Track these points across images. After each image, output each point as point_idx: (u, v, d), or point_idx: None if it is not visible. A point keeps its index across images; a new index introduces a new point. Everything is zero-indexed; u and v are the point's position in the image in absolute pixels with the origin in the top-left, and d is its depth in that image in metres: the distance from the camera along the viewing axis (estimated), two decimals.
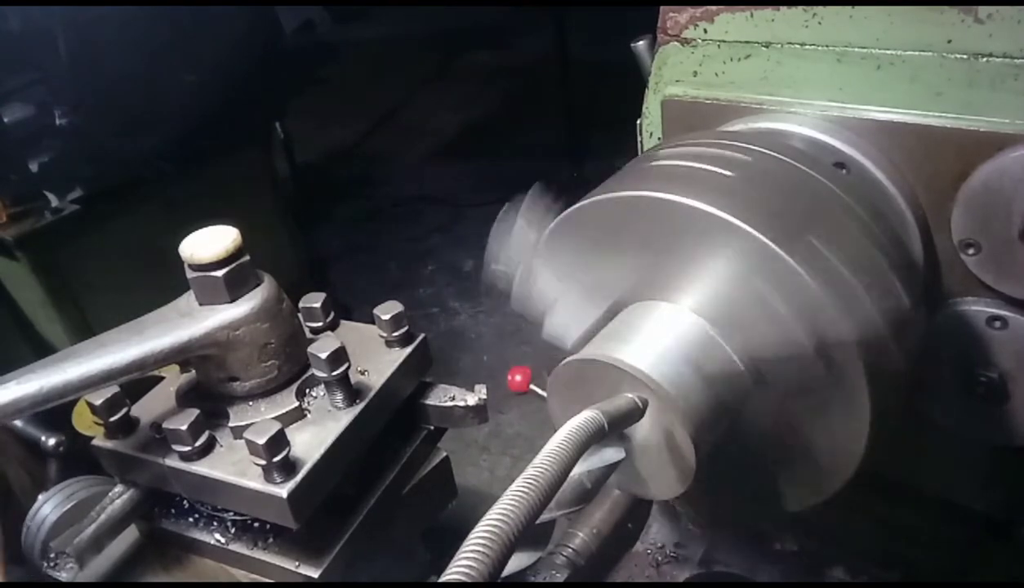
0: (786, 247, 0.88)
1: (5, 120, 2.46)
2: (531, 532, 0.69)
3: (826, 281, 0.88)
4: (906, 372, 0.99)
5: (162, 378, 1.21)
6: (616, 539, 1.52)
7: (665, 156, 1.08)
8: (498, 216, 1.14)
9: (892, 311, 0.94)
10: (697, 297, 0.96)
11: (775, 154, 1.02)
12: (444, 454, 1.30)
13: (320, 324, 1.25)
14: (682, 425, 0.88)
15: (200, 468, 1.05)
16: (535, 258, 1.09)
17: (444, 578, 0.63)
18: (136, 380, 1.04)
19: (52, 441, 1.74)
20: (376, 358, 1.19)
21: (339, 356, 1.07)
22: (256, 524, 1.12)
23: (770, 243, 0.88)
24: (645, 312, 0.99)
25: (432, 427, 1.28)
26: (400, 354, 1.20)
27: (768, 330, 0.92)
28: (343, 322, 1.28)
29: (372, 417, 1.13)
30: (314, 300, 1.24)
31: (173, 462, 1.06)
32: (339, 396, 1.10)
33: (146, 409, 1.16)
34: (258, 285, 1.10)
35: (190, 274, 1.07)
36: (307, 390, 1.15)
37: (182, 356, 1.05)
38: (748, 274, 0.90)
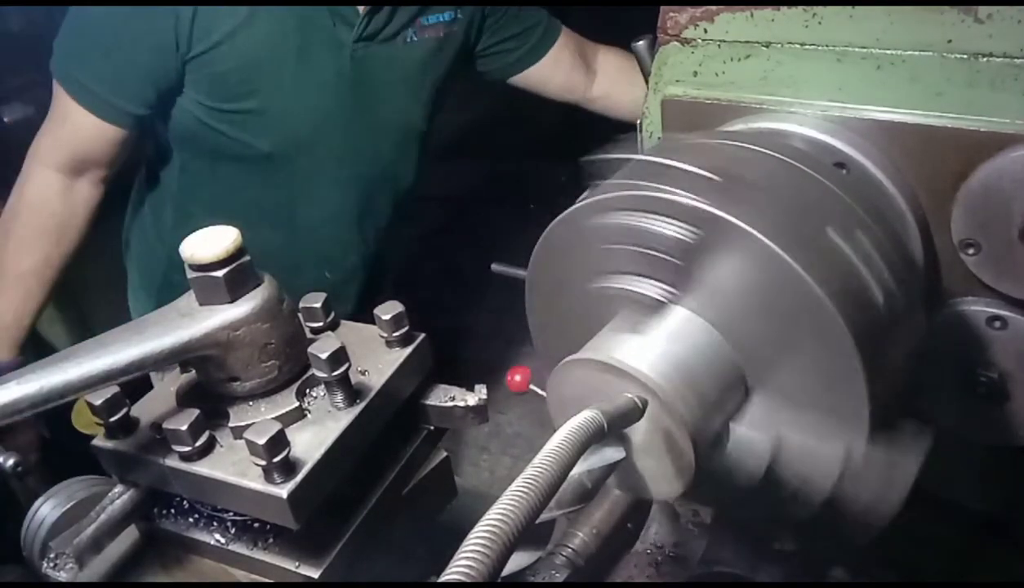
0: (786, 247, 0.88)
1: (5, 120, 2.46)
2: (531, 532, 0.69)
3: (826, 281, 0.88)
4: (905, 372, 0.99)
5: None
6: (616, 539, 1.52)
7: (667, 156, 1.08)
8: (488, 238, 1.13)
9: (892, 311, 0.94)
10: (697, 297, 0.96)
11: (775, 154, 1.02)
12: (444, 454, 1.30)
13: (320, 324, 1.25)
14: (681, 425, 0.88)
15: (200, 468, 1.05)
16: (532, 261, 1.09)
17: (444, 578, 0.63)
18: (136, 380, 1.04)
19: (11, 461, 1.55)
20: (376, 358, 1.19)
21: (339, 356, 1.07)
22: (256, 524, 1.12)
23: (770, 243, 0.88)
24: (644, 311, 0.99)
25: (432, 427, 1.28)
26: (400, 354, 1.20)
27: (768, 330, 0.92)
28: (343, 322, 1.28)
29: (372, 417, 1.13)
30: (314, 300, 1.25)
31: (173, 462, 1.06)
32: (339, 396, 1.10)
33: (146, 409, 1.16)
34: (258, 285, 1.10)
35: (190, 274, 1.07)
36: (307, 390, 1.15)
37: (182, 356, 1.05)
38: (748, 274, 0.90)
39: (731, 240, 0.90)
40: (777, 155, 1.02)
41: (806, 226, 0.93)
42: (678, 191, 0.94)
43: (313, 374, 1.11)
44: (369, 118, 2.24)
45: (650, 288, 1.00)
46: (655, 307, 0.99)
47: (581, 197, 1.04)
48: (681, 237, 0.94)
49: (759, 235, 0.88)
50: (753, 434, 0.97)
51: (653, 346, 0.94)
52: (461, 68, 2.51)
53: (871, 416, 0.90)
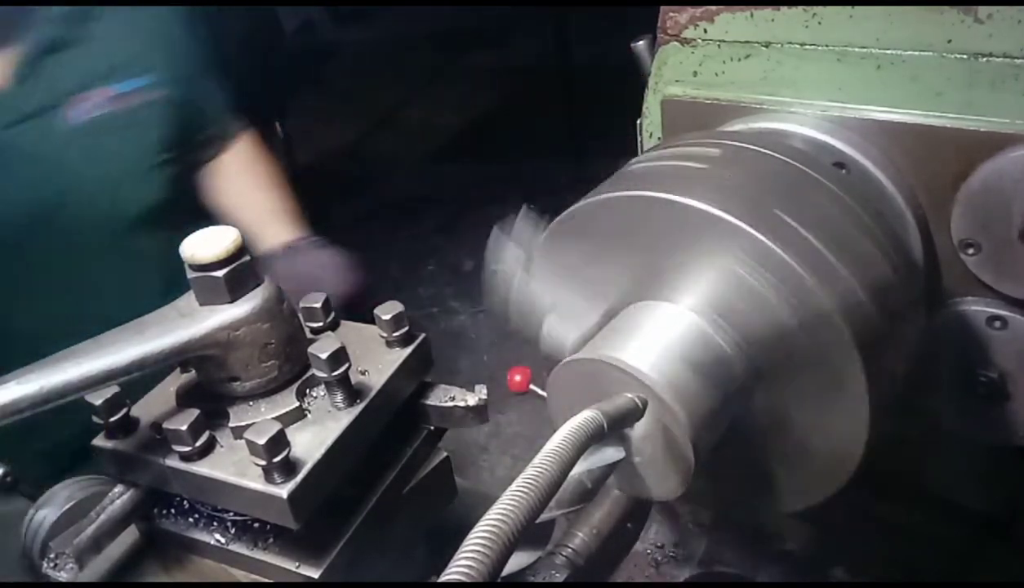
0: (786, 247, 0.88)
1: None
2: (531, 532, 0.69)
3: (827, 282, 0.88)
4: (905, 371, 0.99)
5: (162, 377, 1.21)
6: (616, 539, 1.52)
7: (665, 156, 1.08)
8: (488, 238, 1.14)
9: (894, 312, 0.94)
10: (697, 297, 0.96)
11: (775, 154, 1.02)
12: (444, 454, 1.30)
13: (320, 324, 1.25)
14: (681, 425, 0.88)
15: (200, 468, 1.05)
16: (533, 260, 1.09)
17: (444, 578, 0.63)
18: (136, 380, 1.04)
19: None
20: (376, 358, 1.19)
21: (339, 356, 1.07)
22: (256, 524, 1.12)
23: (770, 243, 0.88)
24: (645, 312, 0.99)
25: (432, 427, 1.28)
26: (400, 354, 1.20)
27: (769, 331, 0.92)
28: (343, 322, 1.28)
29: (372, 417, 1.13)
30: (314, 300, 1.25)
31: (173, 462, 1.06)
32: (339, 396, 1.10)
33: (146, 409, 1.16)
34: (258, 285, 1.10)
35: (190, 274, 1.07)
36: (307, 390, 1.15)
37: (182, 356, 1.05)
38: (748, 274, 0.91)
39: (730, 239, 0.90)
40: (777, 155, 1.02)
41: (805, 226, 0.93)
42: (677, 191, 0.94)
43: (313, 374, 1.11)
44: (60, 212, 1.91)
45: (653, 288, 1.00)
46: (656, 307, 0.99)
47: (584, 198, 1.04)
48: (679, 237, 0.95)
49: (758, 235, 0.88)
50: (747, 419, 0.97)
51: (653, 346, 0.94)
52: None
53: (871, 424, 0.91)
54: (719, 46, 1.21)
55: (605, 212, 1.01)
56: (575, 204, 1.04)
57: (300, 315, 1.23)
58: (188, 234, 1.05)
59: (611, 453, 0.92)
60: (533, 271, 1.10)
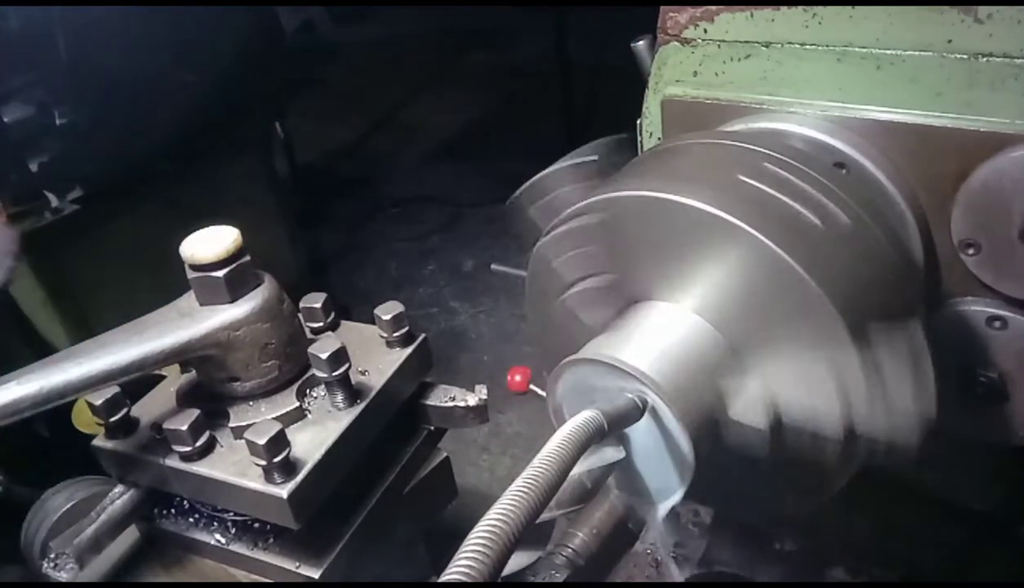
0: (786, 247, 0.88)
1: (5, 120, 2.46)
2: (531, 532, 0.69)
3: (827, 282, 0.88)
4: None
5: (163, 377, 1.21)
6: (616, 539, 1.52)
7: (665, 156, 1.08)
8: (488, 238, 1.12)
9: (893, 311, 0.94)
10: (697, 297, 0.96)
11: (775, 154, 1.02)
12: (444, 455, 1.30)
13: (321, 324, 1.25)
14: (681, 426, 0.88)
15: (200, 468, 1.05)
16: (533, 260, 1.09)
17: (444, 578, 0.63)
18: (136, 380, 1.04)
19: None
20: (377, 358, 1.19)
21: (340, 356, 1.08)
22: (256, 524, 1.12)
23: (770, 243, 0.88)
24: (645, 312, 0.99)
25: (432, 427, 1.28)
26: (401, 354, 1.20)
27: (769, 330, 0.92)
28: (343, 322, 1.28)
29: (373, 417, 1.13)
30: (314, 300, 1.25)
31: (173, 462, 1.06)
32: (340, 396, 1.10)
33: (146, 409, 1.16)
34: (259, 285, 1.10)
35: (191, 274, 1.07)
36: (308, 390, 1.15)
37: (182, 356, 1.05)
38: (748, 274, 0.90)
39: (731, 240, 0.90)
40: (777, 155, 1.02)
41: (805, 226, 0.93)
42: (678, 191, 0.94)
43: (313, 374, 1.11)
44: None
45: (653, 289, 1.00)
46: (656, 307, 0.99)
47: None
48: (683, 240, 0.94)
49: (759, 235, 0.88)
50: (749, 416, 0.96)
51: (653, 346, 0.94)
52: None
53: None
54: (719, 46, 1.21)
55: (605, 212, 1.01)
56: (575, 204, 1.04)
57: (300, 315, 1.23)
58: None
59: (611, 453, 0.92)
60: (532, 272, 1.10)
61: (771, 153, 1.02)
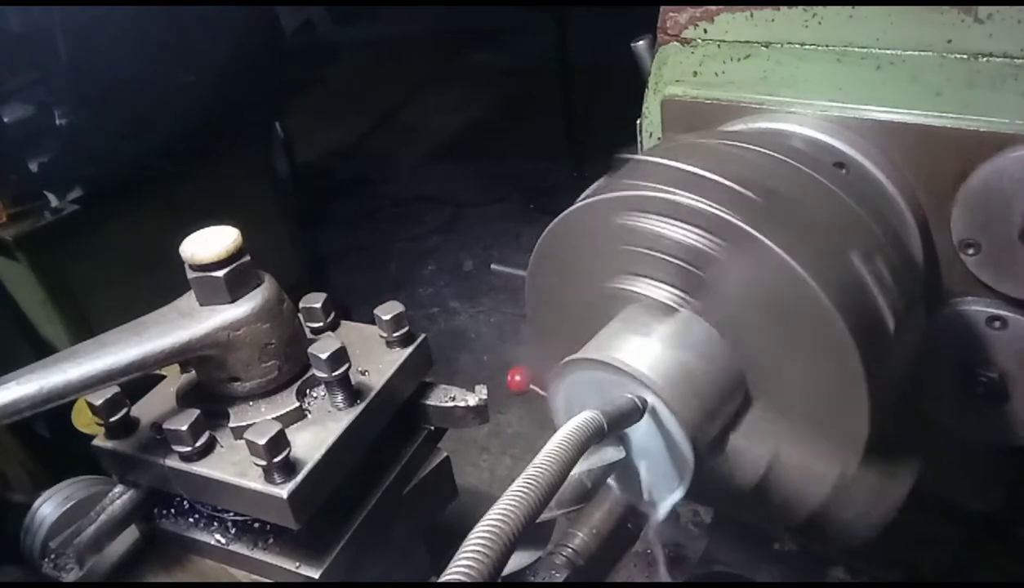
0: (787, 248, 0.88)
1: (5, 120, 2.46)
2: (531, 532, 0.69)
3: (827, 283, 0.88)
4: (905, 372, 0.99)
5: (163, 377, 1.21)
6: (616, 539, 1.52)
7: (665, 156, 1.08)
8: (488, 238, 1.12)
9: (893, 312, 0.94)
10: (702, 301, 0.96)
11: (775, 154, 1.02)
12: (444, 455, 1.30)
13: (321, 324, 1.25)
14: (681, 426, 0.88)
15: (200, 468, 1.05)
16: (533, 259, 1.09)
17: (444, 578, 0.63)
18: (136, 379, 1.04)
19: None
20: (377, 358, 1.19)
21: (340, 356, 1.08)
22: (256, 524, 1.12)
23: (771, 244, 0.88)
24: (645, 312, 0.99)
25: (432, 427, 1.28)
26: (401, 354, 1.20)
27: (769, 331, 0.92)
28: (343, 322, 1.28)
29: (373, 417, 1.13)
30: (315, 300, 1.25)
31: (173, 462, 1.06)
32: (340, 396, 1.10)
33: (146, 409, 1.16)
34: (259, 285, 1.10)
35: (191, 274, 1.07)
36: (308, 390, 1.15)
37: (182, 356, 1.05)
38: (749, 274, 0.90)
39: (731, 240, 0.90)
40: (777, 155, 1.02)
41: (805, 227, 0.93)
42: (678, 191, 0.94)
43: (313, 374, 1.11)
44: None
45: (655, 290, 1.00)
46: (657, 308, 0.99)
47: (581, 196, 1.04)
48: (693, 243, 0.94)
49: (759, 236, 0.88)
50: (751, 445, 0.97)
51: (653, 346, 0.94)
52: None
53: (868, 438, 0.91)
54: (719, 46, 1.21)
55: (605, 212, 1.01)
56: (575, 204, 1.04)
57: (300, 315, 1.23)
58: None
59: (611, 453, 0.92)
60: (531, 271, 1.10)
61: (772, 153, 1.02)
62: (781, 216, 0.93)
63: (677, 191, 0.94)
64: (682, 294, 0.97)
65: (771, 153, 1.02)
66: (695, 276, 0.96)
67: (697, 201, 0.92)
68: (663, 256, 0.97)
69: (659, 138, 1.31)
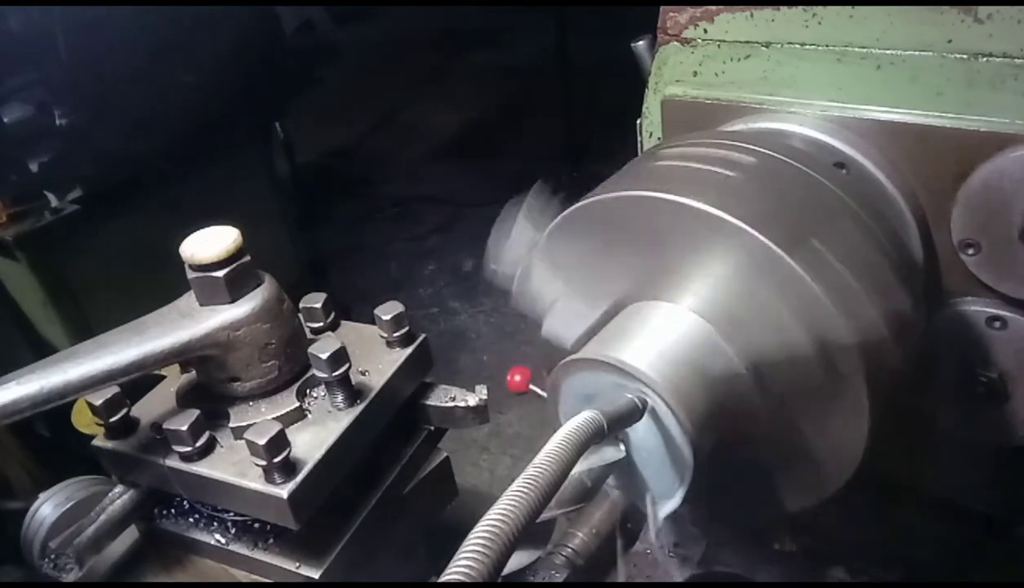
0: (787, 248, 0.88)
1: (5, 120, 2.46)
2: (531, 531, 0.69)
3: (827, 283, 0.88)
4: (905, 373, 0.99)
5: (163, 377, 1.21)
6: (616, 539, 1.51)
7: (665, 156, 1.08)
8: (499, 215, 1.13)
9: (892, 313, 0.94)
10: (697, 297, 0.96)
11: (775, 154, 1.02)
12: (444, 455, 1.30)
13: (321, 324, 1.25)
14: (681, 426, 0.88)
15: (200, 469, 1.05)
16: (535, 257, 1.09)
17: (444, 578, 0.63)
18: (136, 379, 1.04)
19: None
20: (377, 358, 1.19)
21: (340, 357, 1.07)
22: (256, 525, 1.12)
23: (771, 244, 0.88)
24: (645, 312, 0.99)
25: (432, 428, 1.28)
26: (401, 354, 1.20)
27: (769, 332, 0.92)
28: (344, 322, 1.28)
29: (373, 417, 1.13)
30: (315, 300, 1.25)
31: (173, 462, 1.06)
32: (340, 396, 1.10)
33: (146, 409, 1.16)
34: (259, 285, 1.10)
35: (191, 274, 1.07)
36: (308, 390, 1.15)
37: (183, 357, 1.05)
38: (749, 275, 0.90)
39: (731, 240, 0.90)
40: (777, 155, 1.02)
41: (805, 227, 0.93)
42: (678, 191, 0.94)
43: (314, 374, 1.11)
44: None
45: (649, 286, 1.00)
46: (657, 308, 0.99)
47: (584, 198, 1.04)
48: (681, 238, 0.94)
49: (759, 235, 0.88)
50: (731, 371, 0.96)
51: (653, 346, 0.94)
52: None
53: (871, 428, 0.91)
54: (719, 46, 1.21)
55: (608, 210, 1.01)
56: (575, 204, 1.04)
57: (300, 315, 1.23)
58: None
59: (611, 452, 0.92)
60: (535, 267, 1.10)
61: (771, 153, 1.02)
62: (767, 206, 0.93)
63: (666, 189, 0.95)
64: (679, 291, 0.97)
65: (771, 153, 1.02)
66: (689, 272, 0.96)
67: (685, 199, 0.92)
68: (658, 254, 0.97)
69: (659, 138, 1.31)
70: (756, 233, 0.88)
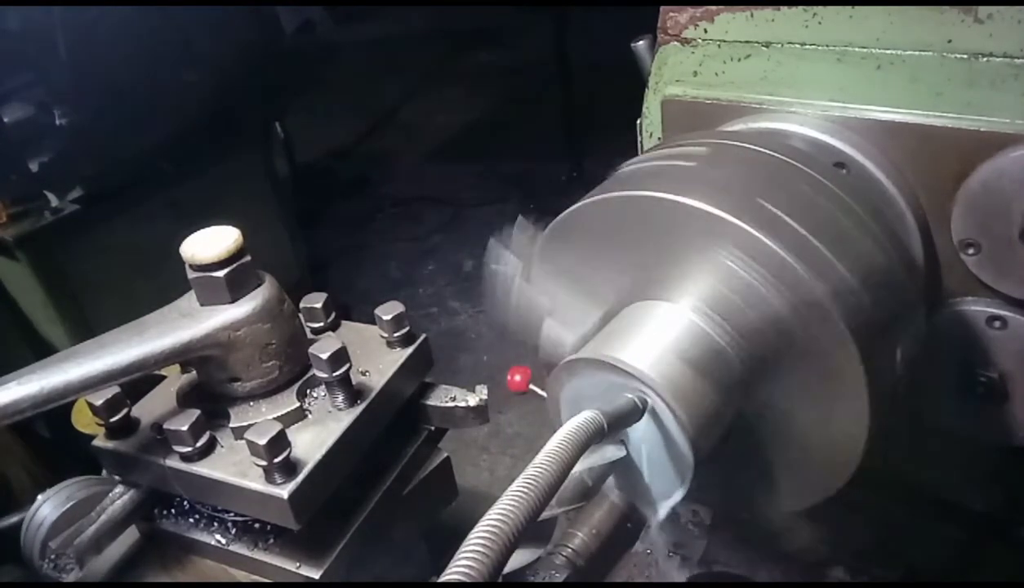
0: (785, 247, 0.88)
1: (5, 120, 2.46)
2: (531, 531, 0.69)
3: (827, 281, 0.88)
4: (905, 372, 0.99)
5: (163, 377, 1.21)
6: (616, 539, 1.52)
7: (664, 156, 1.08)
8: (489, 238, 1.13)
9: (892, 309, 0.94)
10: (696, 296, 0.96)
11: (775, 154, 1.02)
12: (445, 455, 1.30)
13: (321, 324, 1.25)
14: (681, 426, 0.88)
15: (201, 469, 1.05)
16: (534, 259, 1.09)
17: (444, 578, 0.63)
18: (136, 379, 1.04)
19: None
20: (377, 359, 1.19)
21: (340, 357, 1.07)
22: (257, 525, 1.12)
23: (770, 243, 0.88)
24: (644, 312, 0.99)
25: (433, 428, 1.28)
26: (401, 354, 1.20)
27: (769, 331, 0.92)
28: (344, 322, 1.28)
29: (373, 418, 1.13)
30: (315, 300, 1.25)
31: (174, 463, 1.06)
32: (340, 397, 1.10)
33: (147, 409, 1.16)
34: (259, 285, 1.10)
35: (191, 274, 1.07)
36: (308, 391, 1.15)
37: (183, 357, 1.05)
38: (740, 267, 0.90)
39: (730, 239, 0.90)
40: (777, 155, 1.02)
41: (804, 226, 0.93)
42: (677, 191, 0.94)
43: (314, 374, 1.11)
44: None
45: (648, 286, 1.00)
46: (654, 306, 0.99)
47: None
48: (674, 236, 0.94)
49: (759, 234, 0.88)
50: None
51: (653, 346, 0.94)
52: None
53: (871, 415, 0.90)
54: (719, 46, 1.21)
55: (603, 212, 1.01)
56: (574, 204, 1.04)
57: (301, 315, 1.23)
58: None
59: (612, 451, 0.92)
60: (532, 274, 1.10)
61: (771, 153, 1.02)
62: (765, 205, 0.93)
63: (665, 188, 0.95)
64: (677, 291, 0.97)
65: (771, 153, 1.02)
66: (687, 271, 0.96)
67: (683, 198, 0.92)
68: (656, 254, 0.97)
69: (659, 138, 1.31)
70: (755, 232, 0.88)
